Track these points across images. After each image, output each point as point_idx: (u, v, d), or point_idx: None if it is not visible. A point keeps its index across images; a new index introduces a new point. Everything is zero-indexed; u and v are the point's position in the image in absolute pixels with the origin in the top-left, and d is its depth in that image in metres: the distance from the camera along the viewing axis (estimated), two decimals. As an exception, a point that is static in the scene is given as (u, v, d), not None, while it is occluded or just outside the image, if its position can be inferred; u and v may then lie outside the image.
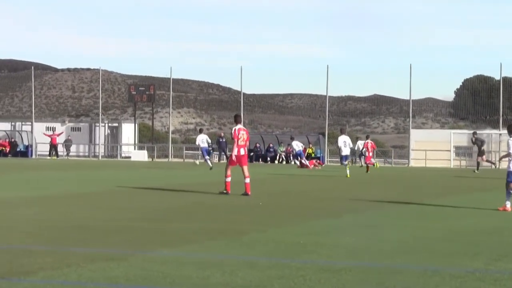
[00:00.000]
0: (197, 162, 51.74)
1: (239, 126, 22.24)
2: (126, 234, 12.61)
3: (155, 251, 10.69)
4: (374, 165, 45.67)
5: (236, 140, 22.05)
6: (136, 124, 71.75)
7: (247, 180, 21.83)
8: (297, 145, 50.80)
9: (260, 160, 63.62)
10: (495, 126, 60.45)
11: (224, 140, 59.05)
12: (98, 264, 9.50)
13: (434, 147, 57.36)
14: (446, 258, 10.57)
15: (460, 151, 58.37)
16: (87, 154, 70.99)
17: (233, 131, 22.24)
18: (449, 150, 57.81)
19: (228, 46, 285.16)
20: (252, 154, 64.34)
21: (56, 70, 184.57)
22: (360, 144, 49.74)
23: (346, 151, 36.96)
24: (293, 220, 15.44)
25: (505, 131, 19.73)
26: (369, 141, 44.98)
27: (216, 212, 17.01)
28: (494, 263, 10.20)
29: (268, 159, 63.01)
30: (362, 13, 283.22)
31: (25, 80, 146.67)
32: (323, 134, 66.49)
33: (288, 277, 8.85)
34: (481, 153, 45.34)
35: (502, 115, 58.30)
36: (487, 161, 47.42)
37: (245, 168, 22.00)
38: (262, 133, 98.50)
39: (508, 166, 17.96)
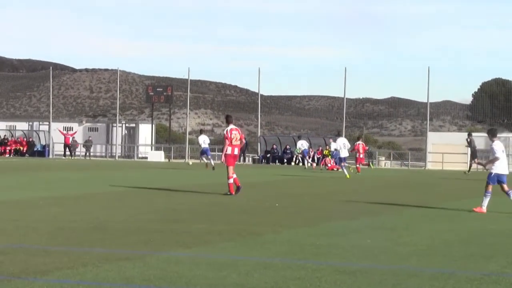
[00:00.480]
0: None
1: (231, 126, 22.32)
2: (142, 234, 12.63)
3: (170, 252, 10.70)
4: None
5: (228, 140, 22.06)
6: (153, 125, 71.90)
7: (234, 176, 21.92)
8: (302, 145, 50.89)
9: (277, 161, 63.70)
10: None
11: (245, 141, 59.10)
12: (114, 264, 9.52)
13: (451, 150, 57.13)
14: (462, 261, 10.54)
15: (477, 154, 58.01)
16: (104, 154, 71.19)
17: (225, 132, 22.42)
18: (466, 153, 57.52)
19: (246, 48, 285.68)
20: (269, 155, 64.62)
21: (74, 70, 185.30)
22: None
23: (345, 153, 38.25)
24: (308, 221, 15.42)
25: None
26: (360, 142, 44.49)
27: (230, 213, 17.01)
28: (510, 266, 10.16)
29: (285, 160, 63.05)
30: (380, 15, 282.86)
31: (43, 80, 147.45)
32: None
33: (304, 278, 8.84)
34: (474, 155, 45.28)
35: (520, 118, 58.02)
36: (478, 163, 47.12)
37: (231, 168, 21.99)
38: (279, 134, 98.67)
39: (491, 169, 18.17)
